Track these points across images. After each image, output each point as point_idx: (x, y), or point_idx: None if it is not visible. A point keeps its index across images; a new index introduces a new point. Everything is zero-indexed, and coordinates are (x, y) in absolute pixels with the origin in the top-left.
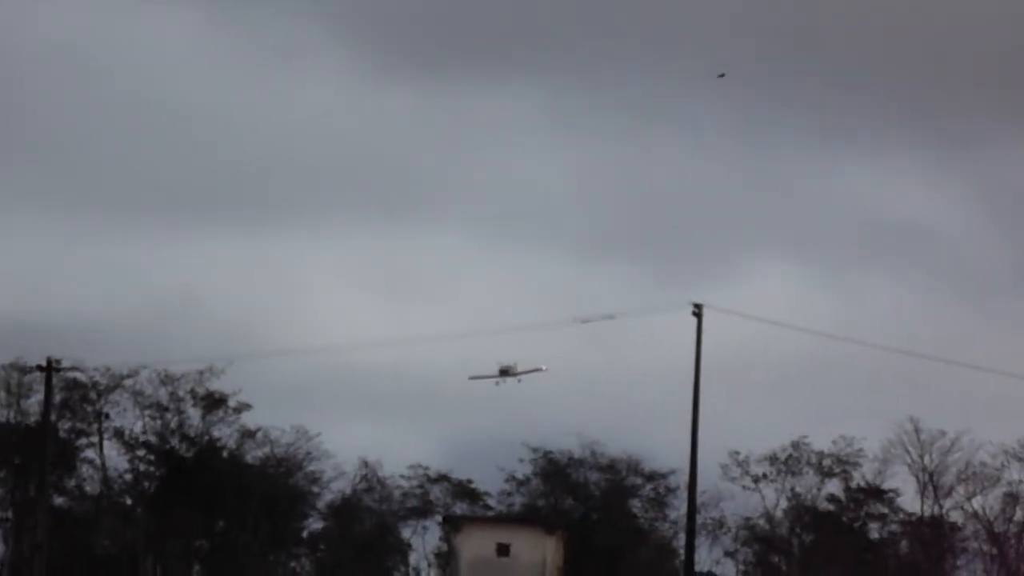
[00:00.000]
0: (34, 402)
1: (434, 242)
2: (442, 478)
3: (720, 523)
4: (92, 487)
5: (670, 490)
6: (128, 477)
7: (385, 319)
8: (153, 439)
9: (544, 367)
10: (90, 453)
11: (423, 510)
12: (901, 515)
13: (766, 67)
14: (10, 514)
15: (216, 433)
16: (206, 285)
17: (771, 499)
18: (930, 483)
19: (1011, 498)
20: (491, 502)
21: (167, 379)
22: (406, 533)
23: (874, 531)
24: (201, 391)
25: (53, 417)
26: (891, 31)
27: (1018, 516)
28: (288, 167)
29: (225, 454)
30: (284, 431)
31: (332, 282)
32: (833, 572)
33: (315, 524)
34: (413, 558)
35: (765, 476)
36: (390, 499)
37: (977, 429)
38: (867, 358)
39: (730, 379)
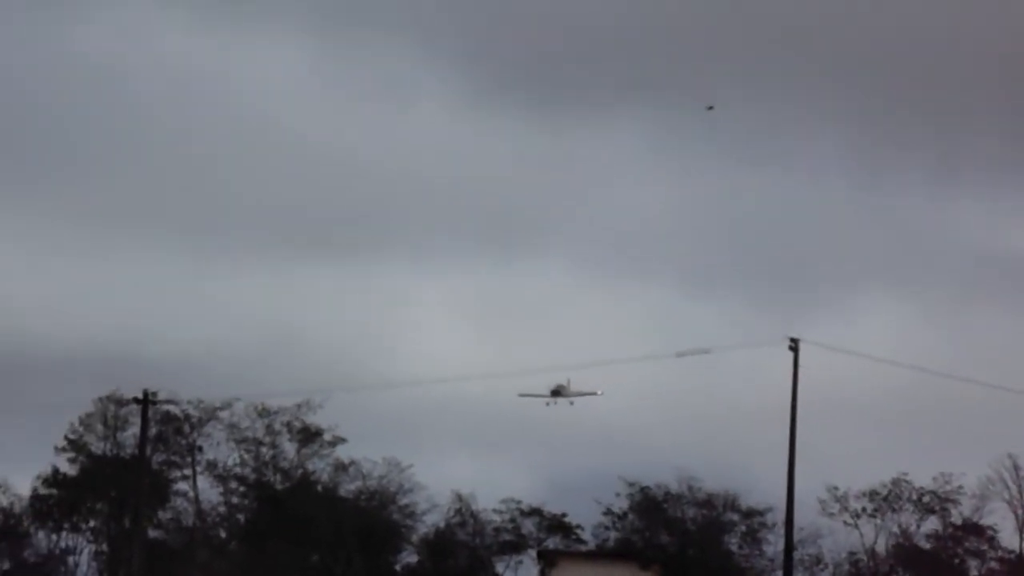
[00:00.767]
0: (130, 435)
1: (535, 276)
2: (535, 511)
3: (817, 559)
4: (187, 520)
5: (766, 526)
6: (222, 510)
7: (483, 351)
8: (247, 472)
9: (600, 391)
10: (183, 486)
11: (517, 544)
12: (1000, 552)
13: (877, 103)
14: (105, 547)
15: (310, 466)
16: (306, 318)
17: (869, 536)
18: None
19: None
20: (584, 536)
21: (263, 412)
22: (500, 567)
23: (973, 568)
24: (298, 424)
25: (148, 450)
26: (1005, 68)
27: None
28: (391, 200)
29: (319, 487)
30: (376, 463)
31: (432, 315)
32: None
33: (409, 557)
34: None
35: (864, 512)
36: (483, 533)
37: None
38: (968, 394)
39: (829, 414)
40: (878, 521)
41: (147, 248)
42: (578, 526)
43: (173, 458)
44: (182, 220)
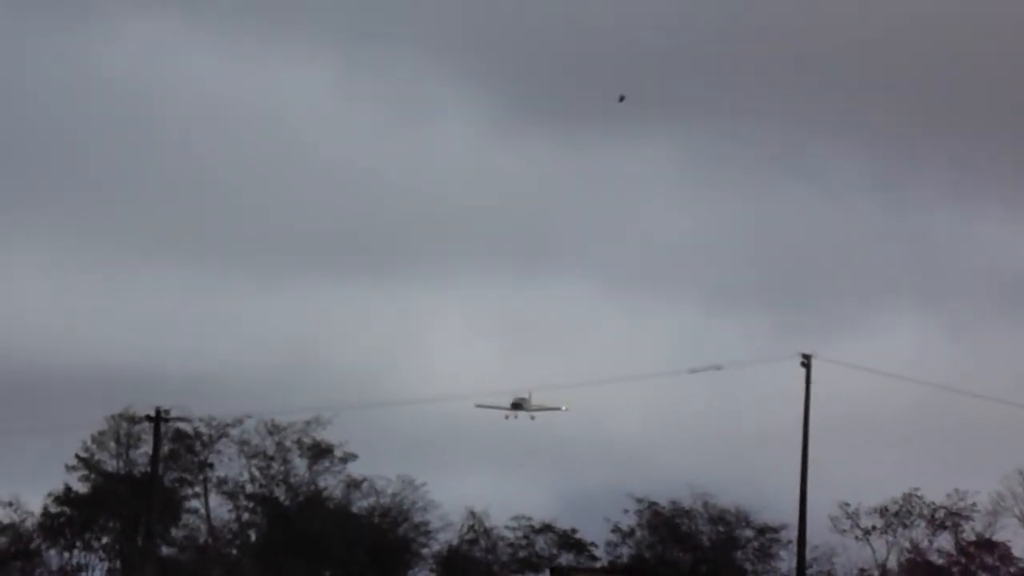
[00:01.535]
0: (142, 452)
1: (558, 293)
2: (546, 528)
3: (829, 575)
4: (200, 537)
5: (780, 543)
6: (234, 527)
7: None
8: (257, 489)
9: (563, 407)
10: (195, 503)
11: (529, 561)
12: (1013, 568)
13: (898, 122)
14: (118, 564)
15: (321, 483)
16: (324, 335)
17: (880, 552)
18: None
19: None
20: (597, 553)
21: (274, 429)
22: None
23: None
24: (308, 441)
25: (160, 468)
26: None
27: None
28: (415, 219)
29: (331, 504)
30: (390, 480)
31: (453, 332)
32: None
33: (421, 575)
34: None
35: (875, 528)
36: (496, 550)
37: None
38: (981, 411)
39: (842, 430)
40: (889, 537)
41: (160, 266)
42: (591, 543)
43: (184, 475)
44: (195, 239)
